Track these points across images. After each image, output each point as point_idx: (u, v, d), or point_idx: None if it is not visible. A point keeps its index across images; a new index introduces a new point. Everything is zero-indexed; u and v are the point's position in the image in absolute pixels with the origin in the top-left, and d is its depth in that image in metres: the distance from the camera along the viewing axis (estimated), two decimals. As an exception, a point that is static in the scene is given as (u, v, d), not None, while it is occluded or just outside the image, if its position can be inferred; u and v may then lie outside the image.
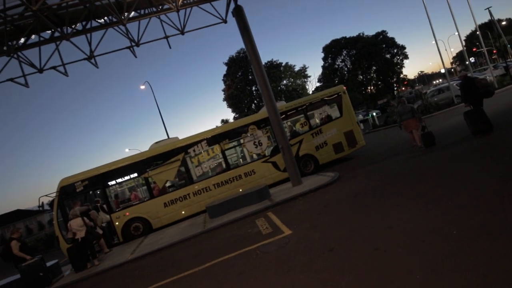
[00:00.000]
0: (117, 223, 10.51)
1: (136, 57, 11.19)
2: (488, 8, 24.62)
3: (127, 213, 10.63)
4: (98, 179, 10.67)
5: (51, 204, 10.87)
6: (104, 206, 10.65)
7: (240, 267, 4.99)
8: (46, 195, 10.56)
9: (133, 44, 10.60)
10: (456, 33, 22.67)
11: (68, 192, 10.36)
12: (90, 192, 11.15)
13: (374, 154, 12.16)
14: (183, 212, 10.92)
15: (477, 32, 24.13)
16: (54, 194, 10.34)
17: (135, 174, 11.04)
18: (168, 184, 11.21)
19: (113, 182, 11.06)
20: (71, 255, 8.58)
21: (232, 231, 7.47)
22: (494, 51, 40.74)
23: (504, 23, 52.17)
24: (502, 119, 9.99)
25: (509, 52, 28.90)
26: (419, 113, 10.69)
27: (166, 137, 16.89)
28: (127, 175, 11.03)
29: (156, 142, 11.96)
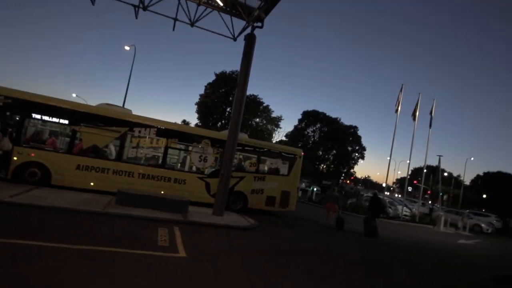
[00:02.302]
0: (15, 158, 9.21)
1: (136, 18, 10.76)
2: (439, 156, 28.33)
3: (33, 154, 9.41)
4: (26, 105, 9.46)
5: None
6: (14, 134, 9.38)
7: (116, 266, 4.55)
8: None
9: (141, 5, 10.27)
10: (408, 161, 25.58)
11: (-18, 100, 9.00)
12: (7, 113, 9.79)
13: (295, 222, 12.72)
14: (92, 184, 9.96)
15: (424, 170, 27.37)
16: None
17: (67, 121, 10.01)
18: (94, 148, 10.30)
19: (39, 117, 9.90)
20: None
21: (130, 227, 6.92)
22: (428, 192, 46.21)
23: (445, 174, 60.15)
24: (389, 236, 13.46)
25: (438, 199, 32.94)
26: (340, 202, 14.22)
27: (121, 105, 15.90)
28: (58, 118, 9.95)
29: (108, 104, 11.16)
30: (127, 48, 24.19)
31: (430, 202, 39.71)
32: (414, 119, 24.34)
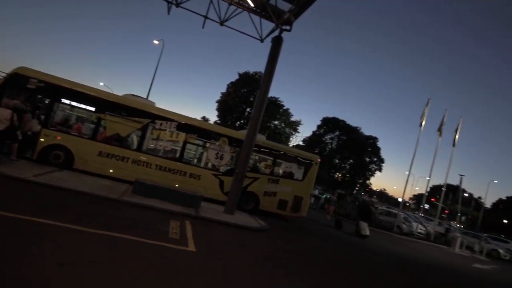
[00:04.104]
0: (42, 140, 9.63)
1: (168, 14, 11.02)
2: (461, 175, 27.35)
3: (59, 137, 9.81)
4: (57, 90, 9.88)
5: (-7, 81, 9.84)
6: (42, 117, 9.81)
7: (126, 252, 4.67)
8: (-6, 70, 9.60)
9: (174, 2, 10.50)
10: (428, 178, 24.81)
11: (18, 82, 9.47)
12: (39, 96, 10.27)
13: (303, 227, 12.63)
14: (111, 171, 10.27)
15: (443, 189, 26.47)
16: (2, 75, 9.44)
17: (94, 109, 10.38)
18: (116, 137, 10.61)
19: (68, 102, 10.31)
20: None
21: (143, 216, 7.09)
22: (446, 211, 44.66)
23: (466, 194, 57.85)
24: (394, 250, 13.67)
25: (456, 220, 31.77)
26: (335, 204, 18.20)
27: (145, 97, 16.30)
28: (86, 105, 10.34)
29: (133, 95, 11.48)
30: (156, 42, 24.80)
31: (447, 222, 38.31)
32: (440, 135, 23.59)
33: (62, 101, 10.24)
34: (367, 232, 14.30)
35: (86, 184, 8.40)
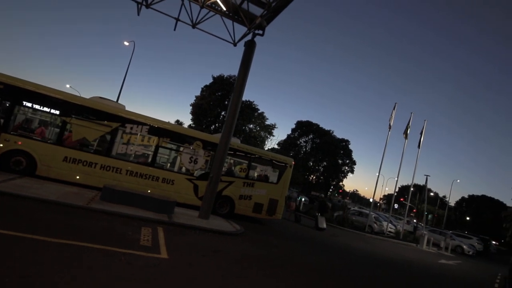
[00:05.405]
0: (1, 145, 8.98)
1: (138, 15, 10.77)
2: (426, 176, 28.79)
3: (20, 142, 9.21)
4: (17, 92, 9.29)
5: None
6: (1, 120, 9.17)
7: (93, 262, 4.45)
8: None
9: (144, 3, 10.27)
10: (396, 179, 25.89)
11: (-28, 83, 8.80)
12: (-3, 99, 9.60)
13: (278, 229, 12.65)
14: (77, 177, 9.79)
15: (411, 189, 27.75)
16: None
17: (57, 112, 9.86)
18: (83, 141, 10.14)
19: (30, 105, 9.72)
20: None
21: (112, 224, 6.80)
22: (414, 210, 46.80)
23: (432, 194, 61.06)
24: (361, 248, 13.00)
25: (423, 218, 33.35)
26: (296, 201, 19.49)
27: (115, 100, 15.73)
28: (49, 108, 9.78)
29: (101, 97, 11.04)
30: (126, 43, 24.07)
31: (415, 220, 40.17)
32: (406, 137, 24.70)
33: (24, 104, 9.64)
34: (324, 226, 16.65)
35: (50, 191, 7.94)
